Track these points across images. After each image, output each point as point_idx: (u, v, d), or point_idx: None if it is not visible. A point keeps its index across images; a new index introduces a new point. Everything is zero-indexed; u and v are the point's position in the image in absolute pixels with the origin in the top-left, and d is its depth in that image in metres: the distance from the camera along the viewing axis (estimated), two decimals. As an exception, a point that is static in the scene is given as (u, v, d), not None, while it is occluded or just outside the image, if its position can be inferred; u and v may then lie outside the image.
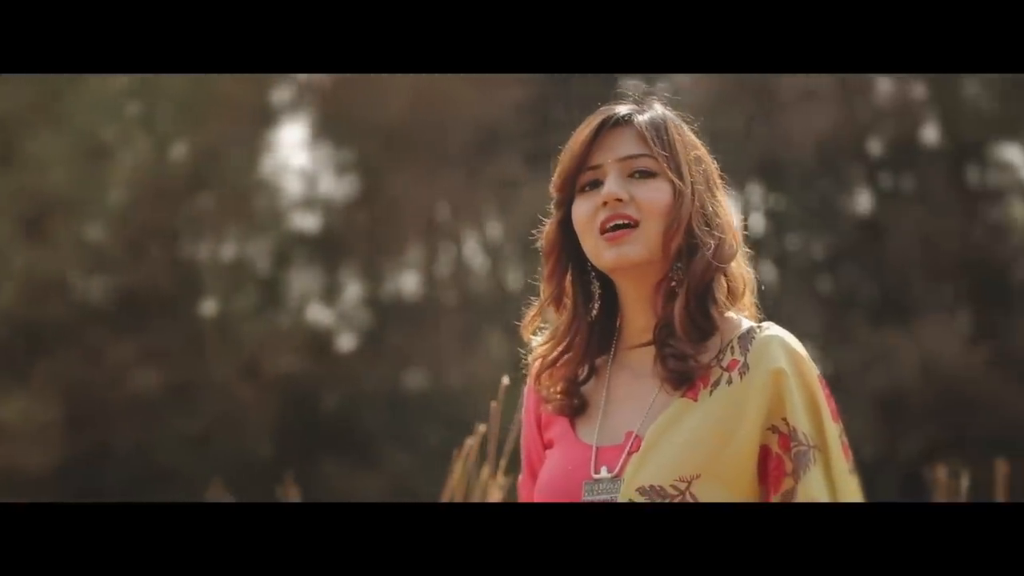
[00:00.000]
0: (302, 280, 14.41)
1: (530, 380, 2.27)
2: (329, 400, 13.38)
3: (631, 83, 2.25)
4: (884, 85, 15.17)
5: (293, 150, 15.17)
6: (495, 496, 3.52)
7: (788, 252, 14.66)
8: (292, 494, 4.69)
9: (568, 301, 2.20)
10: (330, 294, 14.45)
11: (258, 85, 14.04)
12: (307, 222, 14.60)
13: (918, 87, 14.82)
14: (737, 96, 13.55)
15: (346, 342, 14.40)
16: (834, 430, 2.08)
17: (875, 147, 14.77)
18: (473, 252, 14.96)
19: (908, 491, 10.69)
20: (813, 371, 2.10)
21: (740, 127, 13.48)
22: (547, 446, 2.23)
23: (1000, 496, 4.27)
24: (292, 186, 14.68)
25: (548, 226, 2.21)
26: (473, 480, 3.59)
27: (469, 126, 13.63)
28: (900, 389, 12.03)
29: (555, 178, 2.19)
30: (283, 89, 14.72)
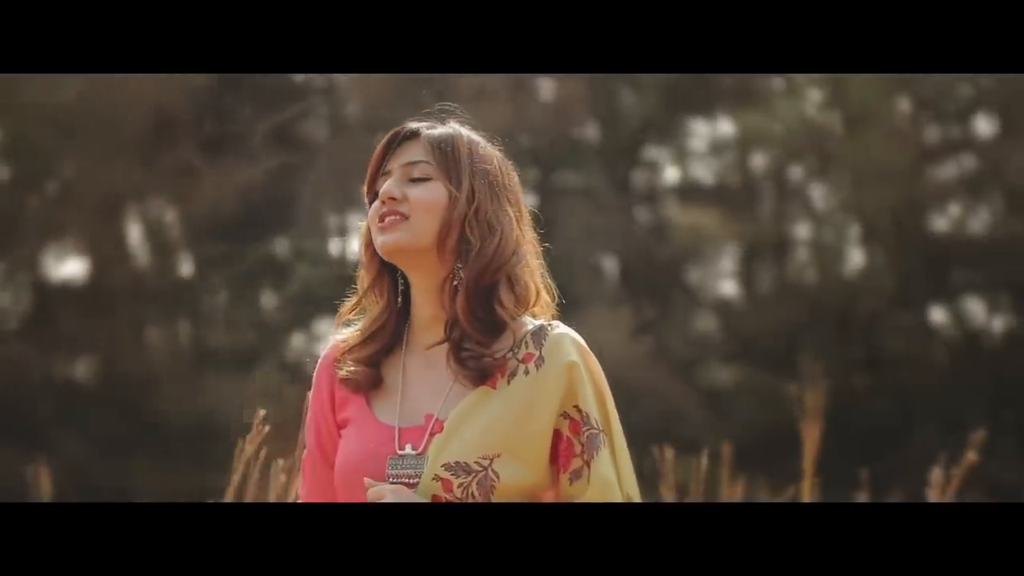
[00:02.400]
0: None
1: (322, 361, 2.50)
2: (-5, 387, 13.04)
3: (437, 107, 2.51)
4: (547, 84, 15.75)
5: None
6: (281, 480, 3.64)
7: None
8: (44, 482, 4.65)
9: (382, 290, 2.46)
10: (-4, 279, 14.07)
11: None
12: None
13: (579, 87, 15.43)
14: (415, 93, 13.85)
15: (12, 327, 14.06)
16: (616, 417, 2.39)
17: (542, 145, 15.32)
18: (146, 239, 14.81)
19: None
20: (598, 365, 2.41)
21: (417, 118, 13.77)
22: (340, 426, 2.44)
23: (725, 477, 4.66)
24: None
25: (363, 224, 2.49)
26: (254, 464, 3.70)
27: (144, 112, 13.50)
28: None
29: (364, 183, 2.47)
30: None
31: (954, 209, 15.28)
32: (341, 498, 2.39)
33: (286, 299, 15.95)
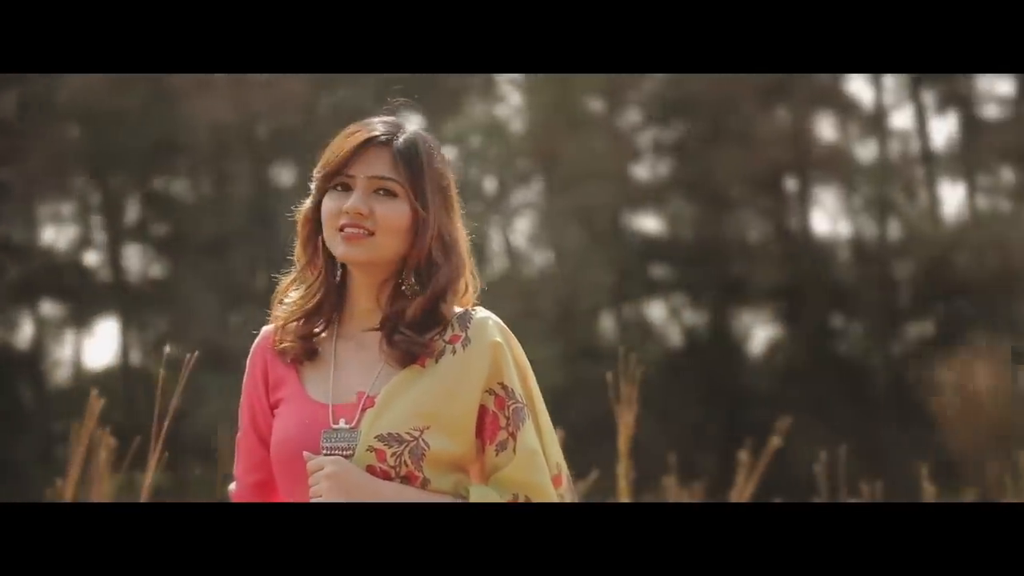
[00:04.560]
0: None
1: (255, 347, 2.62)
2: None
3: (398, 102, 2.63)
4: (267, 79, 15.71)
5: None
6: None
7: (182, 234, 14.90)
8: None
9: (318, 263, 2.57)
10: None
11: None
12: None
13: (298, 83, 15.44)
14: (130, 86, 13.72)
15: None
16: (538, 393, 2.57)
17: (264, 137, 15.28)
18: None
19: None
20: (520, 346, 2.58)
21: (137, 110, 13.66)
22: (274, 406, 2.57)
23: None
24: None
25: (306, 204, 2.58)
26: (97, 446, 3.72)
27: None
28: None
29: (318, 171, 2.56)
30: None
31: (662, 208, 15.90)
32: (278, 473, 2.52)
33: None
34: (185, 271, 14.65)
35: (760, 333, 15.97)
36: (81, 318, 16.99)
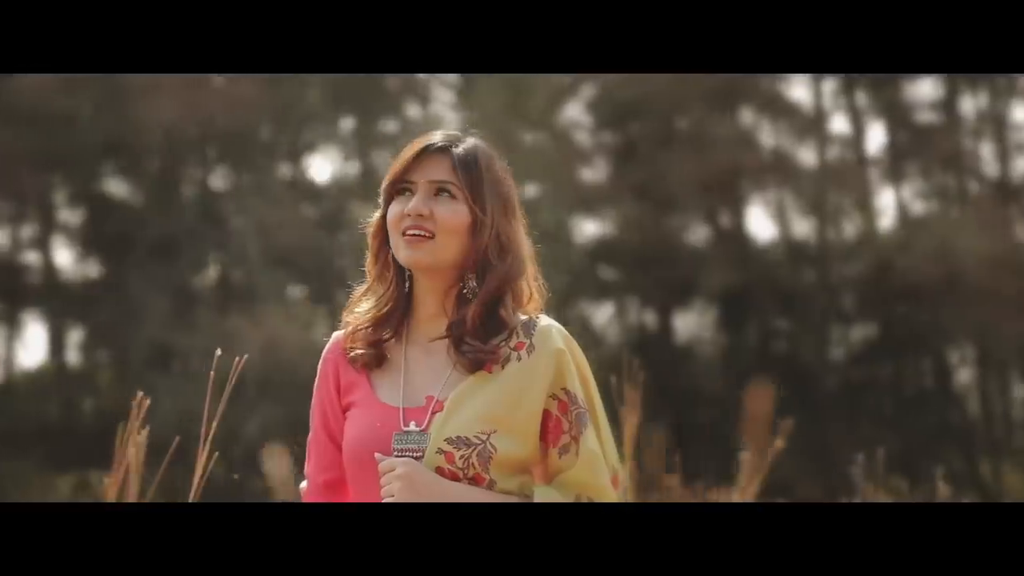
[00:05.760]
0: None
1: (327, 353, 2.72)
2: None
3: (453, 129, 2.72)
4: (219, 81, 15.69)
5: None
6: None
7: (128, 234, 14.86)
8: None
9: (388, 275, 2.68)
10: None
11: None
12: None
13: (251, 87, 15.43)
14: (86, 87, 13.70)
15: None
16: (598, 398, 2.67)
17: (213, 140, 15.26)
18: None
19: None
20: (581, 352, 2.68)
21: (85, 112, 13.62)
22: (346, 409, 2.66)
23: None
24: None
25: (375, 216, 2.70)
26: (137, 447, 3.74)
27: None
28: (242, 372, 12.59)
29: (384, 182, 2.68)
30: None
31: (613, 211, 16.01)
32: (350, 473, 2.62)
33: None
34: (131, 271, 14.60)
35: (707, 335, 16.13)
36: (15, 317, 16.92)
